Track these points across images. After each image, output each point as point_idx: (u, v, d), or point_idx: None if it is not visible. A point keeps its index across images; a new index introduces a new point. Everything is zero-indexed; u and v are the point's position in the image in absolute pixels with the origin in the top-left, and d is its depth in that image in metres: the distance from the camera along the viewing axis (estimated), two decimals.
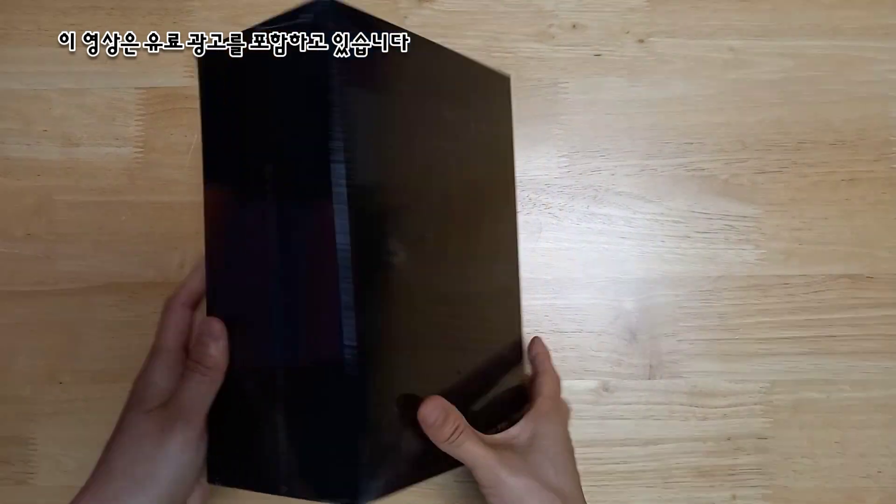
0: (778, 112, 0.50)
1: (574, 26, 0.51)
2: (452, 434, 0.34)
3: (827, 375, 0.48)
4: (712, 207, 0.49)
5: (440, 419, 0.33)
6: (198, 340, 0.35)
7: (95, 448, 0.48)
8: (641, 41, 0.51)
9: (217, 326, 0.35)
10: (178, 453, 0.33)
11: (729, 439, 0.48)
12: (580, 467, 0.48)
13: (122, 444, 0.35)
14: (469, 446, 0.34)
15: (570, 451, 0.39)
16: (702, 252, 0.49)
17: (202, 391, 0.34)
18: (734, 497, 0.47)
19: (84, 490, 0.34)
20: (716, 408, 0.48)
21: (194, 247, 0.49)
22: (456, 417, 0.34)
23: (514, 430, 0.38)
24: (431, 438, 0.34)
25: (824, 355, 0.48)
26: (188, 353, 0.36)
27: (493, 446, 0.35)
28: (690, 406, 0.48)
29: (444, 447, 0.34)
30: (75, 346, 0.49)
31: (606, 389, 0.48)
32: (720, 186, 0.49)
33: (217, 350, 0.34)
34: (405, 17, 0.51)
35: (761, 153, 0.50)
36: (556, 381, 0.42)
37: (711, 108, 0.50)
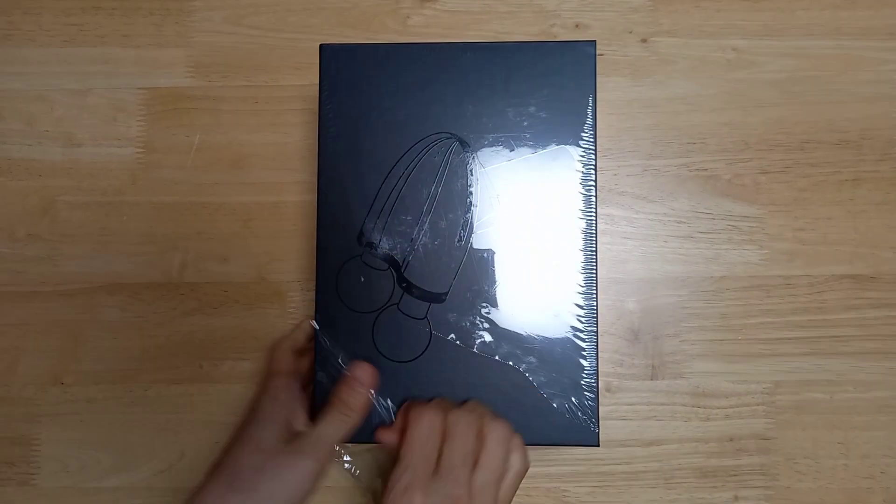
0: (781, 112, 0.50)
1: (577, 26, 0.51)
2: None
3: (830, 376, 0.48)
4: (715, 207, 0.49)
5: None
6: (349, 384, 0.38)
7: (98, 449, 0.48)
8: (644, 41, 0.51)
9: (368, 372, 0.39)
10: (302, 482, 0.36)
11: (731, 440, 0.48)
12: (582, 467, 0.48)
13: (252, 459, 0.37)
14: None
15: None
16: (705, 252, 0.49)
17: (341, 430, 0.38)
18: (736, 498, 0.47)
19: (207, 488, 0.36)
20: (718, 408, 0.48)
21: (196, 247, 0.49)
22: None
23: None
24: None
25: (827, 356, 0.48)
26: (332, 396, 0.39)
27: None
28: (693, 407, 0.48)
29: None
30: (77, 346, 0.49)
31: (609, 390, 0.48)
32: (723, 186, 0.49)
33: (366, 398, 0.39)
34: (407, 17, 0.51)
35: (764, 153, 0.50)
36: None
37: (714, 107, 0.50)
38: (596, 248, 0.40)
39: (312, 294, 0.49)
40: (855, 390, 0.48)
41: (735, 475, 0.47)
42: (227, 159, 0.50)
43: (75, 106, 0.51)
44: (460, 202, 0.40)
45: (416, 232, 0.40)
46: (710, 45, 0.50)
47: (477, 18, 0.51)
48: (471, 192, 0.40)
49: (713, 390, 0.48)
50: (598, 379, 0.40)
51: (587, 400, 0.40)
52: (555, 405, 0.40)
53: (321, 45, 0.41)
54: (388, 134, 0.41)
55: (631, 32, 0.51)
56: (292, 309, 0.49)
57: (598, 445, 0.40)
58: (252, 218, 0.49)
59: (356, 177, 0.41)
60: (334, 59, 0.41)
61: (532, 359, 0.40)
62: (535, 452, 0.46)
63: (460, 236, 0.40)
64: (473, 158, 0.41)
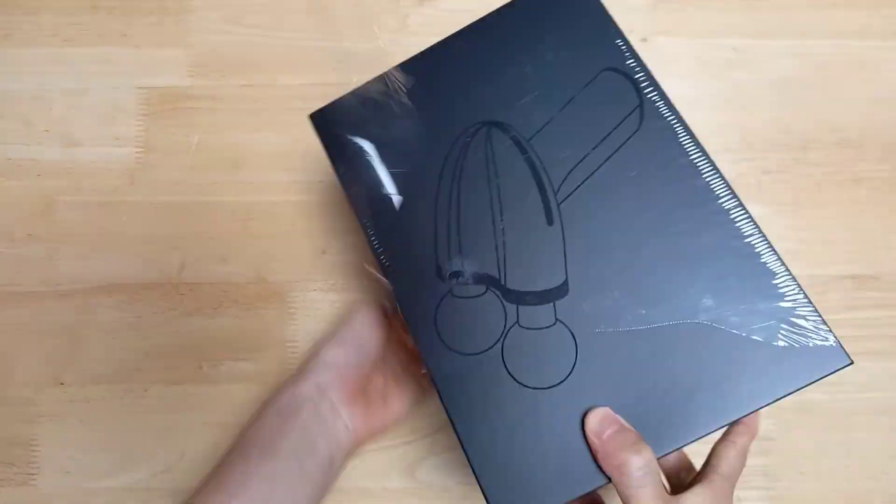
0: (782, 112, 0.50)
1: None
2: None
3: (831, 377, 0.48)
4: None
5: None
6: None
7: (97, 449, 0.48)
8: (644, 40, 0.51)
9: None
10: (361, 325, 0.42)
11: None
12: None
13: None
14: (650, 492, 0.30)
15: None
16: None
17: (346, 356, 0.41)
18: (738, 499, 0.47)
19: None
20: None
21: (195, 247, 0.49)
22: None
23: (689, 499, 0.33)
24: (602, 457, 0.31)
25: None
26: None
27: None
28: None
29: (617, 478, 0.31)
30: (76, 347, 0.49)
31: None
32: None
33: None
34: (406, 17, 0.51)
35: (765, 153, 0.49)
36: (742, 465, 0.36)
37: (715, 107, 0.50)
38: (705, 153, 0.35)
39: (313, 294, 0.49)
40: (856, 391, 0.48)
41: None
42: (227, 159, 0.50)
43: (74, 105, 0.51)
44: (525, 182, 0.35)
45: (496, 238, 0.35)
46: (709, 44, 0.50)
47: (477, 18, 0.51)
48: (532, 167, 0.35)
49: None
50: (797, 282, 0.32)
51: (800, 309, 0.31)
52: (758, 339, 0.31)
53: (310, 115, 0.39)
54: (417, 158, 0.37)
55: (631, 32, 0.51)
56: (292, 310, 0.49)
57: (851, 361, 0.31)
58: (251, 218, 0.49)
59: (407, 217, 0.36)
60: (324, 123, 0.38)
61: (707, 301, 0.32)
62: None
63: (548, 217, 0.35)
64: (515, 134, 0.36)
